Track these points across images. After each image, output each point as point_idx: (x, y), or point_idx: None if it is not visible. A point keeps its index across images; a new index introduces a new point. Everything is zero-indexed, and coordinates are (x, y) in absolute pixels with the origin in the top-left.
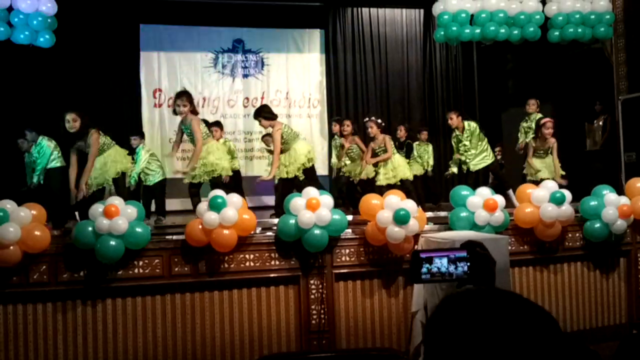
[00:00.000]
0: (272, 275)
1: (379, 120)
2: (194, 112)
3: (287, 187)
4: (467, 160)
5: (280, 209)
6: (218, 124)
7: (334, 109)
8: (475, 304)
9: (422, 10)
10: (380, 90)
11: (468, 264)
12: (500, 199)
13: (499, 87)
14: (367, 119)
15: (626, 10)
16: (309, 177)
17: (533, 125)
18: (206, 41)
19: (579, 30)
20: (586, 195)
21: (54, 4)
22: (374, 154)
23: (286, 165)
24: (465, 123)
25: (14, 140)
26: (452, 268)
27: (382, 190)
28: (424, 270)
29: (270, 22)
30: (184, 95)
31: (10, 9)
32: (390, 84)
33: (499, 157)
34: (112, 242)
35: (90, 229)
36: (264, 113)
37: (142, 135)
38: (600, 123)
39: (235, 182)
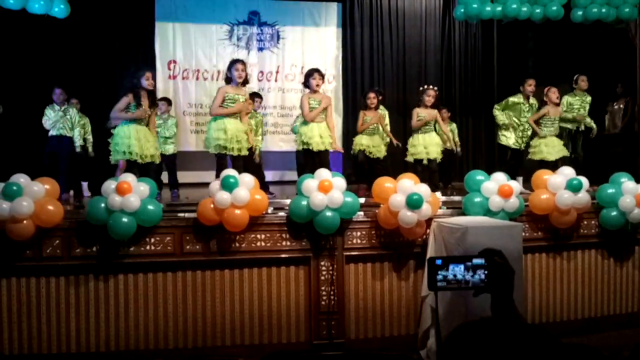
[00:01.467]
0: (283, 255)
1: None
2: None
3: (307, 158)
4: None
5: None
6: (258, 94)
7: (349, 84)
8: (489, 337)
9: None
10: (397, 66)
11: (485, 272)
12: (515, 185)
13: (519, 66)
14: (426, 86)
15: None
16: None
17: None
18: (221, 12)
19: (603, 10)
20: (604, 180)
21: None
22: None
23: (322, 137)
24: None
25: (28, 112)
26: (468, 275)
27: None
28: (439, 277)
29: None
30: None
31: None
32: (408, 60)
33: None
34: (125, 219)
35: (102, 205)
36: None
37: (169, 102)
38: (622, 106)
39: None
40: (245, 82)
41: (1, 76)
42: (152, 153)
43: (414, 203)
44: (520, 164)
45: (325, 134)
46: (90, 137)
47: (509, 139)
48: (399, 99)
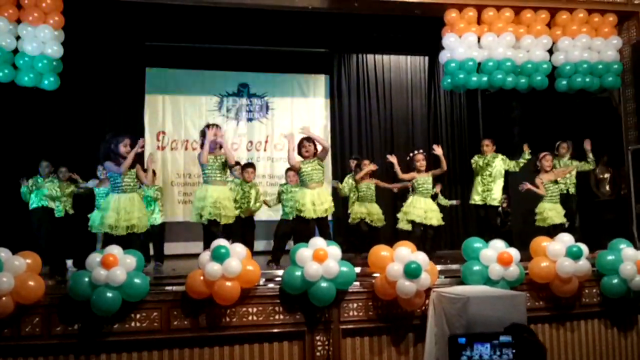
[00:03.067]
0: (275, 330)
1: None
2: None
3: (303, 227)
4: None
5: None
6: (252, 165)
7: (338, 153)
8: None
9: (426, 58)
10: (385, 135)
11: (513, 350)
12: (515, 253)
13: (504, 134)
14: (415, 152)
15: (634, 59)
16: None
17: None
18: (211, 85)
19: (587, 79)
20: (597, 247)
21: (60, 47)
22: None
23: (314, 204)
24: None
25: (16, 184)
26: (495, 356)
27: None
28: (463, 358)
29: (276, 67)
30: None
31: (15, 51)
32: (395, 129)
33: (504, 205)
34: (109, 294)
35: (86, 279)
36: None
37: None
38: (607, 175)
39: (249, 227)
40: (220, 147)
41: None
42: (132, 223)
43: (412, 272)
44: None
45: (318, 201)
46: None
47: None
48: (387, 168)
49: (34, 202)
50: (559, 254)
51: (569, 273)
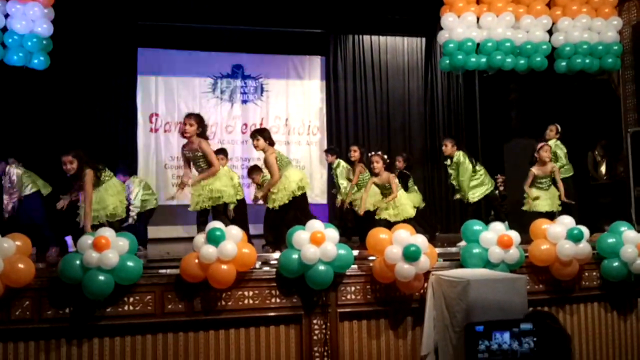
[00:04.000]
0: (272, 314)
1: (385, 156)
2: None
3: (277, 216)
4: (458, 190)
5: (270, 239)
6: (223, 151)
7: (333, 136)
8: None
9: (423, 39)
10: (380, 118)
11: (535, 339)
12: (515, 235)
13: (501, 117)
14: (372, 153)
15: (635, 41)
16: (299, 206)
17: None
18: (205, 66)
19: (587, 61)
20: (595, 230)
21: (50, 26)
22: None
23: (274, 193)
24: (456, 153)
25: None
26: (515, 344)
27: (381, 224)
28: (481, 347)
29: (271, 48)
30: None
31: (4, 29)
32: (391, 112)
33: (501, 188)
34: (101, 277)
35: (77, 262)
36: (266, 133)
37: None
38: (604, 159)
39: (241, 212)
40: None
41: None
42: (108, 213)
43: (411, 255)
44: (498, 211)
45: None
46: None
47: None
48: (383, 151)
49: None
50: (560, 236)
51: (570, 256)
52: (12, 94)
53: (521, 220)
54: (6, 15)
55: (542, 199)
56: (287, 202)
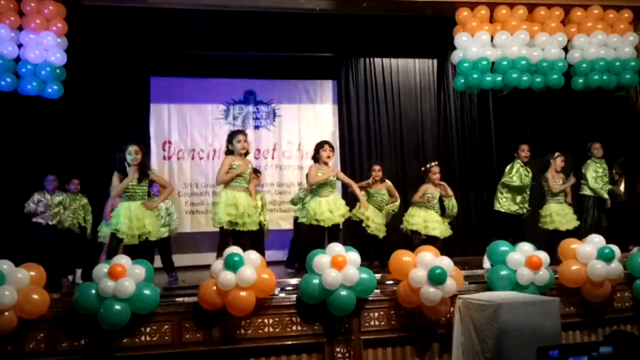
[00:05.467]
0: (293, 342)
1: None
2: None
3: (316, 234)
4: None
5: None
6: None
7: (347, 159)
8: None
9: (435, 60)
10: (394, 140)
11: None
12: (544, 256)
13: (517, 136)
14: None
15: None
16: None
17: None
18: (217, 93)
19: (604, 77)
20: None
21: (63, 54)
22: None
23: (332, 211)
24: None
25: (18, 194)
26: None
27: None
28: None
29: (282, 73)
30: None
31: (17, 59)
32: (405, 134)
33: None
34: (117, 306)
35: (93, 291)
36: None
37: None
38: (622, 177)
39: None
40: (247, 153)
41: None
42: (145, 231)
43: (437, 278)
44: (519, 232)
45: (334, 207)
46: (89, 218)
47: (510, 205)
48: (398, 173)
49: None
50: (590, 256)
51: (601, 276)
52: (27, 123)
53: (540, 240)
54: (19, 45)
55: (561, 215)
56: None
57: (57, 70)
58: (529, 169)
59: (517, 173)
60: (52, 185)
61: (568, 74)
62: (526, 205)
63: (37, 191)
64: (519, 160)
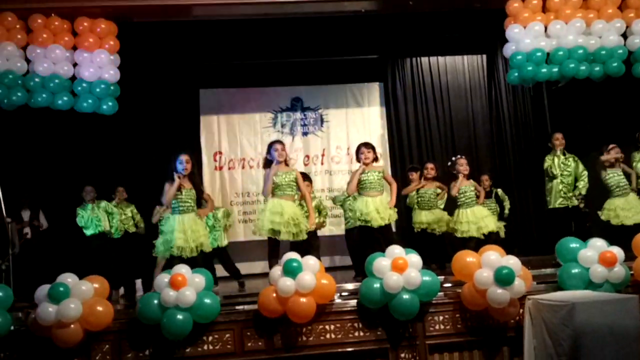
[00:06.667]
0: (356, 348)
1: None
2: None
3: (368, 236)
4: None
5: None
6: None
7: (397, 162)
8: None
9: (484, 56)
10: (445, 140)
11: None
12: (619, 251)
13: (575, 130)
14: (456, 157)
15: None
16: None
17: None
18: (264, 102)
19: None
20: None
21: (117, 72)
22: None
23: (379, 212)
24: None
25: (73, 206)
26: None
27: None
28: None
29: (328, 78)
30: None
31: (73, 78)
32: (456, 133)
33: (581, 206)
34: (180, 316)
35: (155, 301)
36: None
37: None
38: None
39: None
40: (286, 162)
41: (47, 175)
42: (200, 242)
43: (504, 278)
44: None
45: (382, 208)
46: (143, 227)
47: (556, 199)
48: (451, 174)
49: (90, 228)
50: None
51: None
52: (83, 139)
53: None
54: (74, 64)
55: (626, 209)
56: (388, 222)
57: (112, 87)
58: (570, 159)
59: (551, 163)
60: (89, 196)
61: (629, 61)
62: (573, 195)
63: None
64: (554, 150)
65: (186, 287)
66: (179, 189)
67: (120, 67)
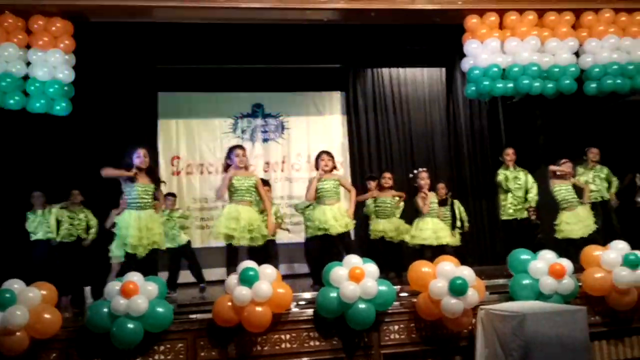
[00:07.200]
0: (311, 357)
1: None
2: None
3: (327, 244)
4: None
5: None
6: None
7: (357, 170)
8: None
9: (443, 69)
10: (404, 150)
11: None
12: (568, 264)
13: (528, 144)
14: (418, 170)
15: None
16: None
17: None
18: (225, 107)
19: (618, 81)
20: None
21: (71, 71)
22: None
23: (337, 219)
24: None
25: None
26: None
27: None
28: None
29: (290, 85)
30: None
31: (25, 77)
32: (415, 144)
33: (533, 217)
34: (130, 325)
35: (105, 310)
36: None
37: (174, 196)
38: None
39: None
40: (247, 168)
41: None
42: (154, 241)
43: (458, 289)
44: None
45: (339, 215)
46: (94, 230)
47: (507, 210)
48: (410, 184)
49: (38, 233)
50: (615, 263)
51: (628, 284)
52: (35, 140)
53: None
54: (28, 63)
55: (572, 223)
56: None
57: (65, 88)
58: (521, 173)
59: (504, 177)
60: (39, 201)
61: (580, 79)
62: (521, 207)
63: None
64: (505, 165)
65: (138, 295)
66: (132, 179)
67: (76, 68)
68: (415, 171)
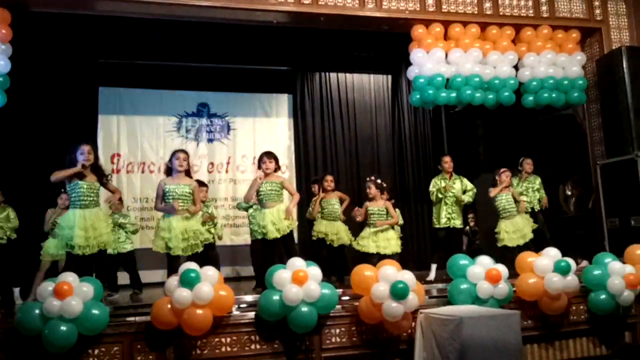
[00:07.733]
0: None
1: (379, 181)
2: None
3: (268, 247)
4: None
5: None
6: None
7: (302, 174)
8: None
9: (389, 76)
10: (349, 155)
11: None
12: (503, 269)
13: (469, 152)
14: (368, 178)
15: (598, 75)
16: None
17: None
18: (169, 105)
19: (554, 95)
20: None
21: (7, 62)
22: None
23: (275, 223)
24: None
25: None
26: None
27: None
28: None
29: (237, 86)
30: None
31: None
32: (360, 148)
33: (472, 223)
34: (63, 327)
35: (37, 311)
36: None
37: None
38: (574, 193)
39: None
40: (188, 173)
41: None
42: (102, 241)
43: (399, 292)
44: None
45: (277, 219)
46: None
47: (439, 218)
48: (353, 188)
49: None
50: (547, 269)
51: (558, 289)
52: None
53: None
54: None
55: (510, 232)
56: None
57: (0, 78)
58: (457, 181)
59: (439, 187)
60: None
61: (519, 91)
62: (454, 216)
63: None
64: (442, 173)
65: (72, 297)
66: (80, 176)
67: (12, 59)
68: (367, 179)
